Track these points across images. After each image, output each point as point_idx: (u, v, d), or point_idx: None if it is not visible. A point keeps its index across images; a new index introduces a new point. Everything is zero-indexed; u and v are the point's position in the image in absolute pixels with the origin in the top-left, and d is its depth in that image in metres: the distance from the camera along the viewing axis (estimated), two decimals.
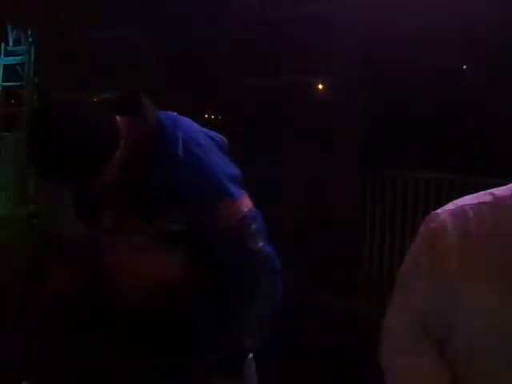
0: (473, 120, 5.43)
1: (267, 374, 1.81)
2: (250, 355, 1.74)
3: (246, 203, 1.64)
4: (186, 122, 1.69)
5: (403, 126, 5.72)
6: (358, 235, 5.16)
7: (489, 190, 1.26)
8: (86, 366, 1.87)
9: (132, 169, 1.60)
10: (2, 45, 6.54)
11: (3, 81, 6.41)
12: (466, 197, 1.27)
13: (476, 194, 1.26)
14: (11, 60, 6.23)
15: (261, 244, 1.63)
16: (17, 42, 6.34)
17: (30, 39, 5.64)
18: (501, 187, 1.26)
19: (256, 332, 1.66)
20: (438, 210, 1.27)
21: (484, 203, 1.23)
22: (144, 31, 5.42)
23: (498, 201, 1.22)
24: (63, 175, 1.50)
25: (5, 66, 6.51)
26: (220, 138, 1.72)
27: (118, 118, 1.56)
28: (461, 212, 1.23)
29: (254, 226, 1.62)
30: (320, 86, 6.53)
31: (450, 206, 1.26)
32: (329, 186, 5.11)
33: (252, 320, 1.64)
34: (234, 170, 1.67)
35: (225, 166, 1.64)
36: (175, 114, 1.70)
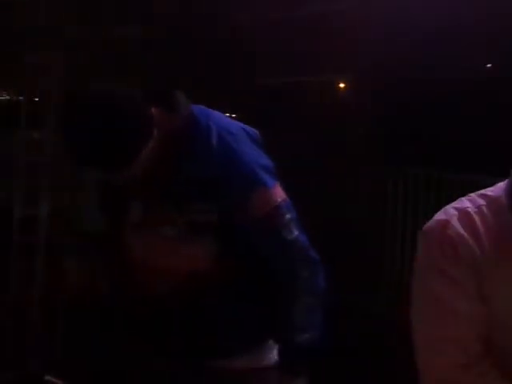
0: (499, 120, 5.37)
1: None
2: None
3: (280, 193, 1.63)
4: (218, 114, 1.70)
5: (426, 125, 5.69)
6: (380, 235, 5.14)
7: (479, 192, 1.25)
8: (110, 363, 1.86)
9: (164, 160, 1.60)
10: None
11: None
12: (462, 201, 1.25)
13: (470, 197, 1.25)
14: None
15: (296, 233, 1.62)
16: None
17: None
18: (489, 188, 1.25)
19: (307, 326, 1.62)
20: (444, 216, 1.23)
21: (482, 206, 1.22)
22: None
23: (492, 201, 1.22)
24: (98, 161, 1.51)
25: None
26: (253, 130, 1.72)
27: (152, 109, 1.57)
28: (465, 216, 1.22)
29: (288, 216, 1.61)
30: (341, 85, 6.52)
31: (453, 210, 1.23)
32: (350, 187, 5.09)
33: (296, 314, 1.61)
34: (267, 161, 1.66)
35: (258, 157, 1.64)
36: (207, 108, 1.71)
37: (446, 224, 1.22)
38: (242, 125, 1.70)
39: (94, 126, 1.48)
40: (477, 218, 1.21)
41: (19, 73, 4.92)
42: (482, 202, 1.23)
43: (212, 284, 1.63)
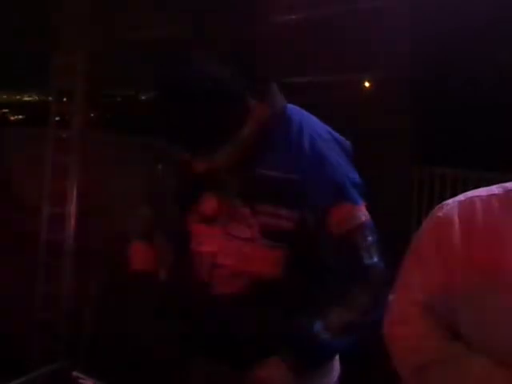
0: None
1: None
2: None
3: (365, 212, 1.54)
4: (312, 117, 1.63)
5: (456, 123, 5.62)
6: (405, 235, 5.10)
7: (503, 184, 1.26)
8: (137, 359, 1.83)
9: (249, 151, 1.52)
10: None
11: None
12: (479, 189, 1.27)
13: (489, 187, 1.26)
14: None
15: (375, 259, 1.52)
16: None
17: None
18: None
19: (334, 331, 1.51)
20: (449, 201, 1.28)
21: (493, 195, 1.23)
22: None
23: (507, 193, 1.22)
24: (194, 139, 1.46)
25: None
26: (346, 142, 1.62)
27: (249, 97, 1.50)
28: (468, 203, 1.24)
29: (370, 239, 1.52)
30: (366, 84, 6.49)
31: (461, 196, 1.27)
32: (376, 186, 5.06)
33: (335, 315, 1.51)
34: (356, 176, 1.56)
35: (348, 170, 1.55)
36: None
37: (442, 207, 1.26)
38: (335, 134, 1.61)
39: (192, 105, 1.44)
40: (479, 205, 1.22)
41: (47, 73, 4.98)
42: (496, 191, 1.24)
43: (275, 292, 1.55)
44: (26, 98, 6.84)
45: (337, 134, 1.61)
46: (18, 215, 4.58)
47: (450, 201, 1.28)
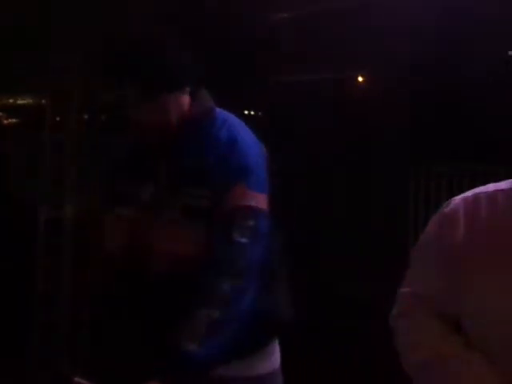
0: None
1: None
2: None
3: (258, 201, 1.67)
4: (239, 120, 1.81)
5: (452, 120, 5.63)
6: (402, 232, 5.11)
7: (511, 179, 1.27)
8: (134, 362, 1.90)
9: (175, 142, 1.73)
10: None
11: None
12: (487, 185, 1.29)
13: (497, 183, 1.28)
14: None
15: (244, 241, 1.63)
16: None
17: None
18: None
19: (200, 339, 1.57)
20: (456, 197, 1.30)
21: (500, 190, 1.24)
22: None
23: None
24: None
25: None
26: (262, 145, 1.81)
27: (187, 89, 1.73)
28: (474, 199, 1.25)
29: (251, 223, 1.64)
30: (360, 79, 6.49)
31: (468, 193, 1.28)
32: (370, 184, 5.07)
33: (196, 322, 1.59)
34: (263, 173, 1.72)
35: (255, 162, 1.71)
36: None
37: (449, 202, 1.29)
38: (254, 136, 1.79)
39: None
40: (484, 201, 1.24)
41: (42, 75, 4.97)
42: (503, 186, 1.25)
43: (197, 263, 1.66)
44: (20, 101, 6.83)
45: (255, 137, 1.79)
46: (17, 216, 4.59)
47: (457, 197, 1.29)
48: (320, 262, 4.66)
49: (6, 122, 6.60)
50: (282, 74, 5.71)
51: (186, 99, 1.75)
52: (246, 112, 6.84)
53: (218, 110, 1.80)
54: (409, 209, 5.13)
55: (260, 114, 6.92)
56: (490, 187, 1.27)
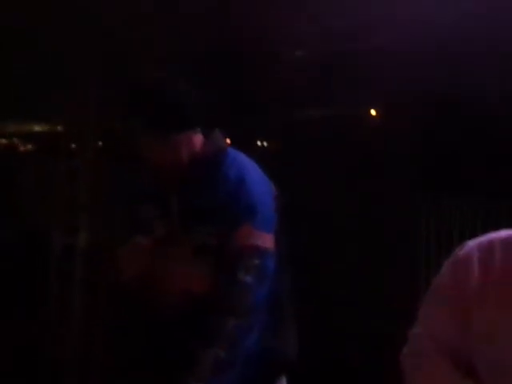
0: None
1: None
2: None
3: (265, 241, 1.70)
4: (250, 160, 1.84)
5: (464, 151, 5.62)
6: (413, 261, 5.10)
7: None
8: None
9: (186, 181, 1.76)
10: None
11: None
12: (502, 230, 1.30)
13: (510, 230, 1.29)
14: None
15: (249, 280, 1.66)
16: None
17: None
18: None
19: (205, 377, 1.61)
20: (470, 241, 1.31)
21: None
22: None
23: None
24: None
25: None
26: (271, 184, 1.84)
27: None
28: (488, 245, 1.26)
29: (256, 262, 1.67)
30: (372, 113, 6.54)
31: (483, 238, 1.29)
32: (382, 213, 5.08)
33: (203, 361, 1.62)
34: (271, 212, 1.75)
35: (264, 202, 1.75)
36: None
37: (463, 247, 1.30)
38: (264, 175, 1.83)
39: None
40: (498, 248, 1.25)
41: (58, 102, 5.04)
42: None
43: (207, 304, 1.69)
44: (36, 128, 6.92)
45: (264, 176, 1.83)
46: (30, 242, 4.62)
47: (471, 242, 1.31)
48: (327, 296, 4.65)
49: (21, 148, 6.70)
50: (296, 108, 5.78)
51: (197, 138, 1.78)
52: (259, 143, 6.91)
53: (229, 149, 1.83)
54: (420, 241, 5.12)
55: (272, 146, 6.98)
56: (504, 233, 1.28)
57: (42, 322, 4.31)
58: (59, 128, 6.30)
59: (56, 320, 4.30)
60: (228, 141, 1.92)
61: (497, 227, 1.32)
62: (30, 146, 6.74)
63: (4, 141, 6.70)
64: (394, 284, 4.67)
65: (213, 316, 1.66)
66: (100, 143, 5.32)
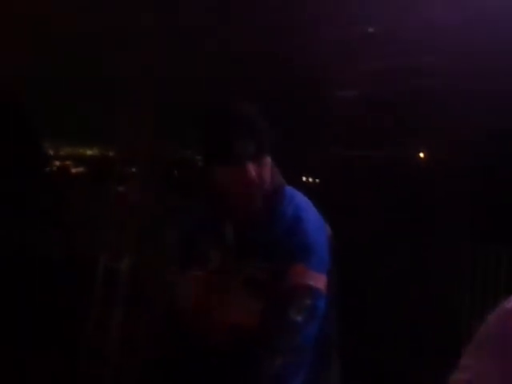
0: None
1: None
2: None
3: (318, 281, 1.69)
4: (306, 198, 1.85)
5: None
6: (458, 312, 5.01)
7: None
8: None
9: (247, 214, 1.76)
10: None
11: None
12: None
13: None
14: None
15: (300, 320, 1.65)
16: None
17: None
18: None
19: None
20: None
21: None
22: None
23: None
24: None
25: None
26: (326, 224, 1.84)
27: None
28: None
29: (308, 302, 1.67)
30: (421, 155, 6.51)
31: None
32: (429, 259, 5.02)
33: None
34: (325, 253, 1.75)
35: (318, 243, 1.74)
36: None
37: (510, 299, 1.30)
38: (318, 214, 1.83)
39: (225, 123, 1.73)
40: None
41: (111, 128, 5.15)
42: None
43: (256, 340, 1.69)
44: (89, 152, 7.09)
45: (319, 216, 1.82)
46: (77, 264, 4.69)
47: None
48: (373, 338, 4.59)
49: (73, 170, 6.86)
50: (344, 147, 5.80)
51: (267, 169, 1.77)
52: (304, 179, 6.93)
53: (286, 187, 1.84)
54: (466, 290, 5.04)
55: (317, 181, 6.98)
56: None
57: (83, 345, 4.35)
58: (111, 153, 6.44)
59: (97, 342, 4.33)
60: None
61: None
62: (81, 169, 6.90)
63: (58, 163, 6.87)
64: (440, 332, 4.59)
65: (260, 353, 1.66)
66: (152, 169, 5.41)
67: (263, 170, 1.75)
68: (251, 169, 1.72)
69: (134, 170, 5.07)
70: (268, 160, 1.77)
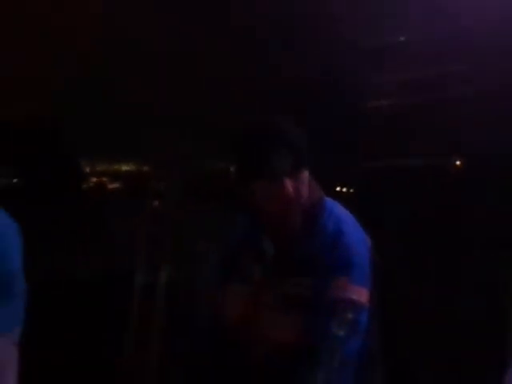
0: None
1: None
2: None
3: (360, 295, 1.68)
4: (345, 210, 1.83)
5: None
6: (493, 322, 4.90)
7: None
8: None
9: (288, 229, 1.75)
10: None
11: None
12: None
13: None
14: None
15: (342, 334, 1.64)
16: None
17: None
18: None
19: None
20: None
21: None
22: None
23: None
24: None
25: None
26: (366, 235, 1.82)
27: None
28: None
29: (350, 316, 1.65)
30: (457, 163, 6.42)
31: None
32: (462, 272, 4.94)
33: None
34: (366, 264, 1.73)
35: (360, 255, 1.73)
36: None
37: None
38: (359, 226, 1.81)
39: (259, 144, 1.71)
40: None
41: (146, 143, 5.21)
42: None
43: (297, 355, 1.68)
44: (124, 168, 7.17)
45: (360, 228, 1.81)
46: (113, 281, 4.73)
47: None
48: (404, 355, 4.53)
49: (109, 186, 6.95)
50: (377, 157, 5.76)
51: (305, 184, 1.76)
52: (338, 188, 6.89)
53: (326, 199, 1.83)
54: (499, 295, 4.93)
55: (351, 191, 6.94)
56: None
57: (122, 360, 4.38)
58: (145, 168, 6.50)
59: (136, 358, 4.36)
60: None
61: None
62: (117, 185, 6.98)
63: (94, 179, 6.97)
64: (477, 349, 4.50)
65: (302, 368, 1.66)
66: (186, 184, 5.45)
67: (300, 185, 1.73)
68: (288, 184, 1.70)
69: (168, 184, 5.13)
70: (306, 175, 1.75)
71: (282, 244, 1.78)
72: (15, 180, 6.58)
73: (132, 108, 5.91)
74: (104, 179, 6.89)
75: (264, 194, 1.71)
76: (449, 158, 5.97)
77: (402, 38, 4.60)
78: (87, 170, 6.96)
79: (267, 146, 1.70)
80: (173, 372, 4.19)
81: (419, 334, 4.64)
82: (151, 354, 4.36)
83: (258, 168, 1.70)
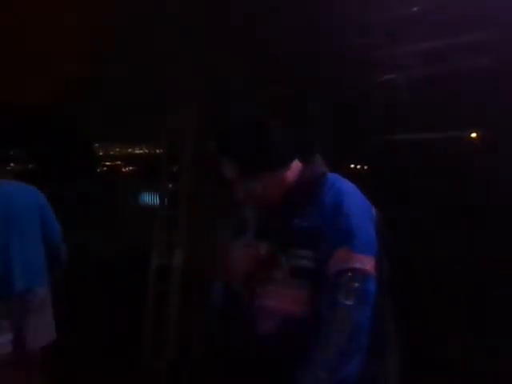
0: None
1: None
2: None
3: (364, 263, 1.67)
4: (350, 183, 1.83)
5: None
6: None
7: None
8: None
9: (286, 205, 1.79)
10: None
11: None
12: None
13: None
14: None
15: (350, 303, 1.63)
16: None
17: None
18: None
19: None
20: None
21: None
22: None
23: None
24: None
25: None
26: (371, 206, 1.81)
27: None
28: None
29: (356, 285, 1.65)
30: (473, 135, 6.35)
31: None
32: (482, 248, 4.87)
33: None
34: (370, 233, 1.72)
35: (362, 224, 1.72)
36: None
37: None
38: (363, 197, 1.80)
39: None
40: None
41: (158, 128, 5.20)
42: None
43: (304, 327, 1.69)
44: (137, 151, 7.20)
45: (364, 199, 1.80)
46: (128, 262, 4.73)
47: None
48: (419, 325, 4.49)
49: (124, 169, 6.98)
50: (396, 132, 5.69)
51: (290, 172, 1.79)
52: (353, 166, 6.84)
53: (329, 174, 1.83)
54: None
55: (366, 168, 6.89)
56: None
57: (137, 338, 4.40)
58: (158, 151, 6.49)
59: (153, 335, 4.38)
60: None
61: None
62: (131, 168, 7.01)
63: (109, 163, 7.00)
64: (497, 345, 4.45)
65: (313, 340, 1.65)
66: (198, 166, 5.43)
67: (284, 176, 1.77)
68: (263, 178, 1.75)
69: (182, 166, 5.10)
70: (289, 165, 1.78)
71: (281, 220, 1.79)
72: (31, 165, 6.61)
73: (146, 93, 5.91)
74: (118, 163, 6.92)
75: (245, 188, 1.78)
76: (465, 132, 5.90)
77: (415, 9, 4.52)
78: (100, 154, 6.99)
79: (237, 146, 1.74)
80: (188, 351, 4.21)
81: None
82: (168, 336, 4.38)
83: (236, 165, 1.75)
